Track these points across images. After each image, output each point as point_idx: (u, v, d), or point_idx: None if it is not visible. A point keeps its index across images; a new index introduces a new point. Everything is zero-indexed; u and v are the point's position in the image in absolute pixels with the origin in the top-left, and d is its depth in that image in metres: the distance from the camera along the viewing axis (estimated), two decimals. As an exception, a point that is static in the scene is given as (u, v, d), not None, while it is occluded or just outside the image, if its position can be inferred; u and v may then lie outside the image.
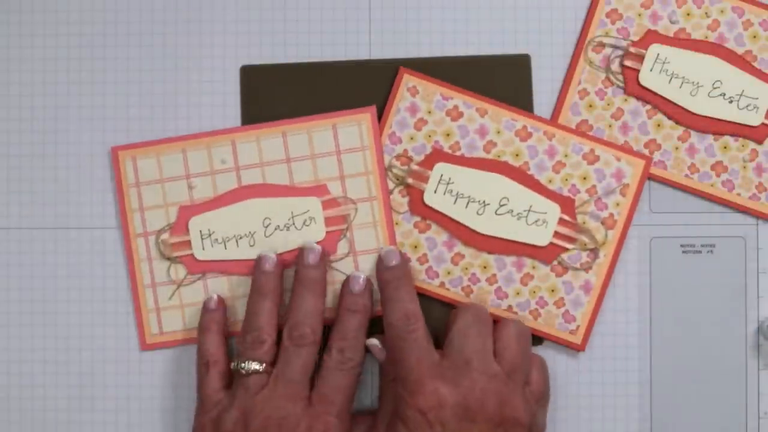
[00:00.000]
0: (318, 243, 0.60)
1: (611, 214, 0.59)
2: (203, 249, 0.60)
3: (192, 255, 0.60)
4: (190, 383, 0.61)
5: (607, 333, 0.60)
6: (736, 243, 0.61)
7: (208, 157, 0.60)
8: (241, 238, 0.60)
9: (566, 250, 0.59)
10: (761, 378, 0.60)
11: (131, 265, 0.60)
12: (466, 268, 0.59)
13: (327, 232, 0.60)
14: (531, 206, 0.59)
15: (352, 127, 0.60)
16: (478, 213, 0.59)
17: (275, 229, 0.60)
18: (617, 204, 0.59)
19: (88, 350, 0.61)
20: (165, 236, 0.60)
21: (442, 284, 0.60)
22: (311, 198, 0.60)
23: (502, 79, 0.60)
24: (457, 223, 0.59)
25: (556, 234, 0.59)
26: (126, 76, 0.61)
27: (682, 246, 0.61)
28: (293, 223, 0.60)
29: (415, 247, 0.60)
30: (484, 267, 0.59)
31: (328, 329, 0.58)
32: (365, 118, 0.60)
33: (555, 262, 0.59)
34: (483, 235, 0.59)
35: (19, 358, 0.61)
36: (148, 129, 0.61)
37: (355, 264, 0.60)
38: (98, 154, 0.62)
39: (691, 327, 0.60)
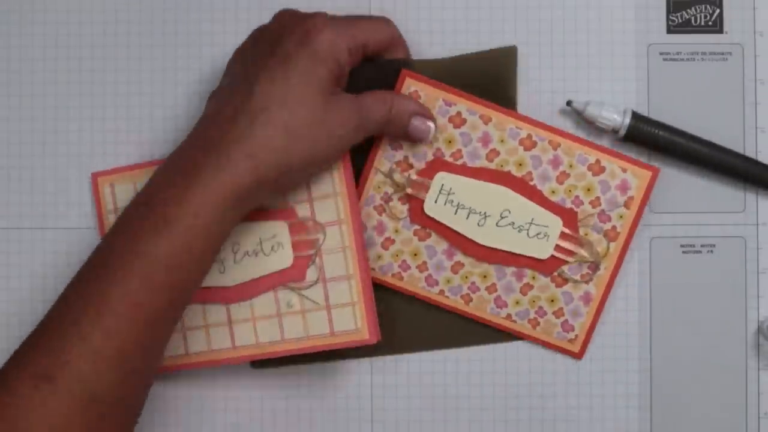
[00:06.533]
0: (285, 270, 0.57)
1: (614, 227, 0.58)
2: None
3: None
4: (193, 381, 0.62)
5: (607, 333, 0.60)
6: (736, 243, 0.60)
7: None
8: None
9: (567, 262, 0.59)
10: (761, 378, 0.60)
11: None
12: (466, 277, 0.59)
13: (295, 258, 0.57)
14: (533, 219, 0.58)
15: None
16: (478, 224, 0.58)
17: (244, 254, 0.58)
18: (620, 216, 0.58)
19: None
20: None
21: (441, 292, 0.59)
22: (278, 222, 0.57)
23: (488, 73, 0.59)
24: (458, 233, 0.59)
25: (558, 247, 0.58)
26: (126, 76, 0.61)
27: (682, 246, 0.60)
28: (261, 249, 0.57)
29: (415, 255, 0.59)
30: (484, 276, 0.59)
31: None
32: None
33: (555, 274, 0.59)
34: (483, 246, 0.59)
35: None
36: (148, 127, 0.61)
37: (325, 292, 0.57)
38: (98, 153, 0.61)
39: (691, 327, 0.60)
